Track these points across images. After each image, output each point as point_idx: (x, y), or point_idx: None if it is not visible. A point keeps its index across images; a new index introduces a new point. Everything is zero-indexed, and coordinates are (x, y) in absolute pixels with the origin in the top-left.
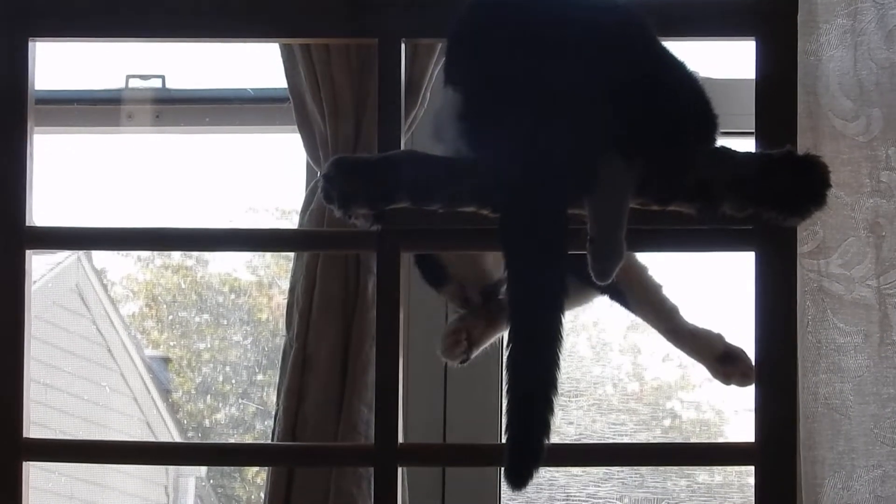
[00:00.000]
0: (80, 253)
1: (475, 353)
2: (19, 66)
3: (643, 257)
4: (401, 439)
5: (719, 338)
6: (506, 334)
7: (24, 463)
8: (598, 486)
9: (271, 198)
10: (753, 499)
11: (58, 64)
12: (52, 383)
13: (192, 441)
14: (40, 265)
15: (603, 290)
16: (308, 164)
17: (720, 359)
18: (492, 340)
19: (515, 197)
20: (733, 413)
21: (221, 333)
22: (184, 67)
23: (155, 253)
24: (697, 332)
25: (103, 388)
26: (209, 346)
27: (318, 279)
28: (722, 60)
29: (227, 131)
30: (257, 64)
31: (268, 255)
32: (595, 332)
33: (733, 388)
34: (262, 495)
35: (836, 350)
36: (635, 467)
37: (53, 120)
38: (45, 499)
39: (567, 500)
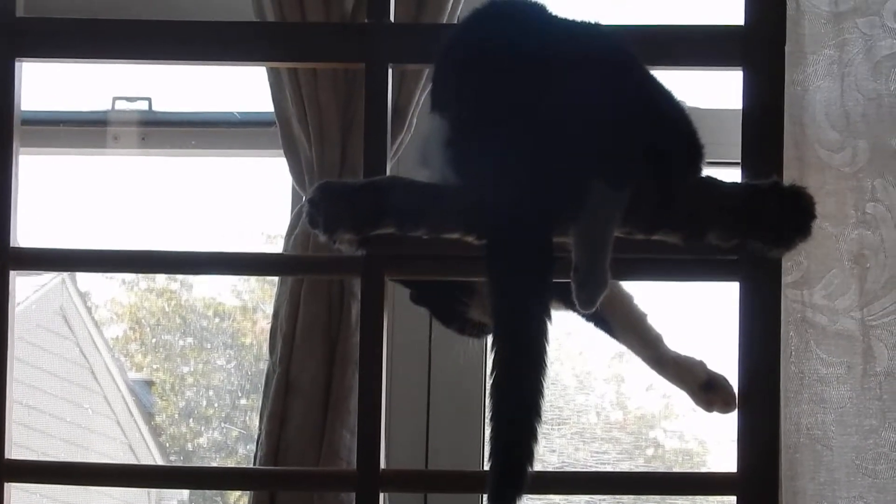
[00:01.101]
0: (65, 275)
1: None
2: (5, 87)
3: (628, 286)
4: (383, 465)
5: (702, 365)
6: (490, 360)
7: (5, 484)
8: None
9: (257, 221)
10: None
11: (44, 85)
12: (34, 405)
13: (174, 464)
14: (25, 287)
15: (588, 318)
16: (294, 189)
17: (703, 386)
18: None
19: (502, 224)
20: (716, 443)
21: (205, 357)
22: (170, 90)
23: (139, 276)
24: (680, 360)
25: (86, 410)
26: (193, 369)
27: (302, 304)
28: (709, 90)
29: (214, 154)
30: (244, 87)
31: (252, 279)
32: (579, 361)
33: (716, 417)
34: None
35: (818, 381)
36: (617, 496)
37: (39, 141)
38: None
39: None
